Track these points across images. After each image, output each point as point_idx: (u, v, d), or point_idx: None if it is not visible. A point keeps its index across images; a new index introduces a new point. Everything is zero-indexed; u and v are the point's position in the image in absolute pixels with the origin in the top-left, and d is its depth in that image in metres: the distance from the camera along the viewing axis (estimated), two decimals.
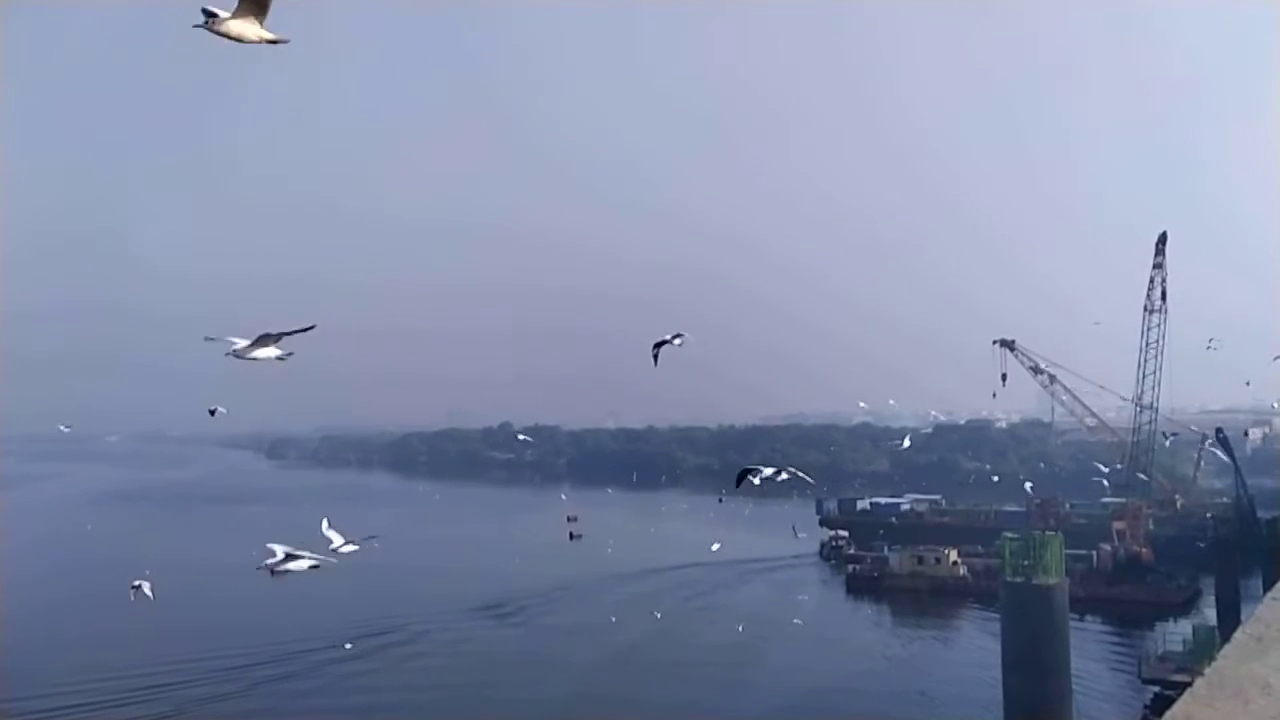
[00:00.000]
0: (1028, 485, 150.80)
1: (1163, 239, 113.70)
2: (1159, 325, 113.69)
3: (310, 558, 22.71)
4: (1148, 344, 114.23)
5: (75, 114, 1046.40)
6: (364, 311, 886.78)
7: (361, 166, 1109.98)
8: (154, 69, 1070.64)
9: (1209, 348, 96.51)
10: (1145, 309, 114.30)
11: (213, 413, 39.19)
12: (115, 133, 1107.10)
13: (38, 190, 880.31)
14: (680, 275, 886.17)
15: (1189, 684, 5.78)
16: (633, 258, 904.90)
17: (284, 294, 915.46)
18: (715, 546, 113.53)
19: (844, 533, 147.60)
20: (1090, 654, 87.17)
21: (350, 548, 27.33)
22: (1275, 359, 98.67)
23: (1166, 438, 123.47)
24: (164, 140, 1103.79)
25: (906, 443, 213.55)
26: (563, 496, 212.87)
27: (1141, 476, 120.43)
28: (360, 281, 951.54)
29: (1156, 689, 73.18)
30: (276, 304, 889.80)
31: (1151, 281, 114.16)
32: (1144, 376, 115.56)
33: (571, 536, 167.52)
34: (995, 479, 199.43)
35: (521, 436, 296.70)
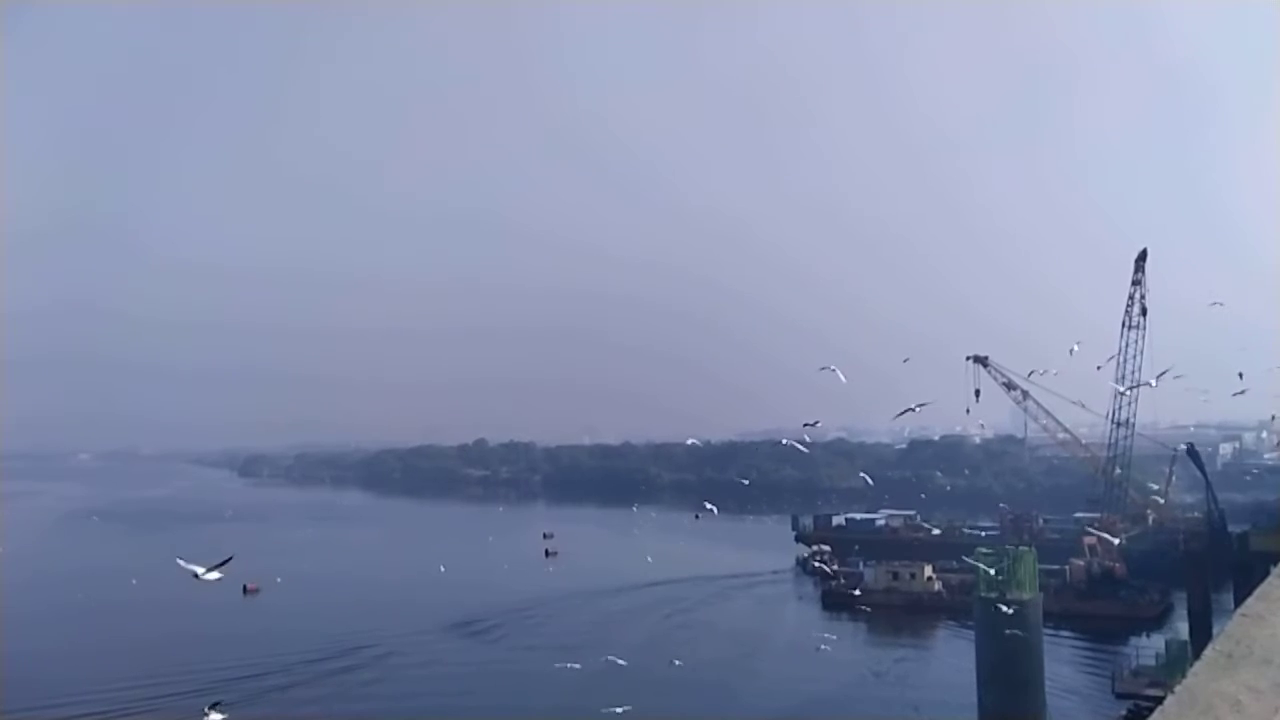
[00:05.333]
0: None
1: (1142, 256, 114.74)
2: (1137, 341, 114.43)
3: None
4: (1125, 360, 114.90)
5: (69, 107, 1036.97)
6: (351, 309, 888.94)
7: (364, 156, 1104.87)
8: (152, 63, 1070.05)
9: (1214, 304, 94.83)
10: (1124, 325, 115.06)
11: None
12: (108, 128, 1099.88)
13: (27, 186, 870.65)
14: (675, 276, 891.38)
15: (1162, 698, 5.85)
16: (628, 255, 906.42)
17: (276, 289, 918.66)
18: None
19: (825, 547, 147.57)
20: (1064, 663, 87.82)
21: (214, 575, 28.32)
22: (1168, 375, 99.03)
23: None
24: (161, 135, 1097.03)
25: None
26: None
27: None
28: (352, 277, 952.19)
29: (1131, 704, 73.43)
30: (267, 299, 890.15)
31: (1130, 298, 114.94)
32: (1121, 392, 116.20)
33: (547, 554, 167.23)
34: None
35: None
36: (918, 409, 52.88)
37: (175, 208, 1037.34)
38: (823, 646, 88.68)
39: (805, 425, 74.27)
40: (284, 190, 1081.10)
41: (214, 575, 28.42)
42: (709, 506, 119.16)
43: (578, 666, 78.83)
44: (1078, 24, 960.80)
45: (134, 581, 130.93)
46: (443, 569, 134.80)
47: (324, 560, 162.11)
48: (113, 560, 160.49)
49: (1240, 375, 75.63)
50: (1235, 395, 76.80)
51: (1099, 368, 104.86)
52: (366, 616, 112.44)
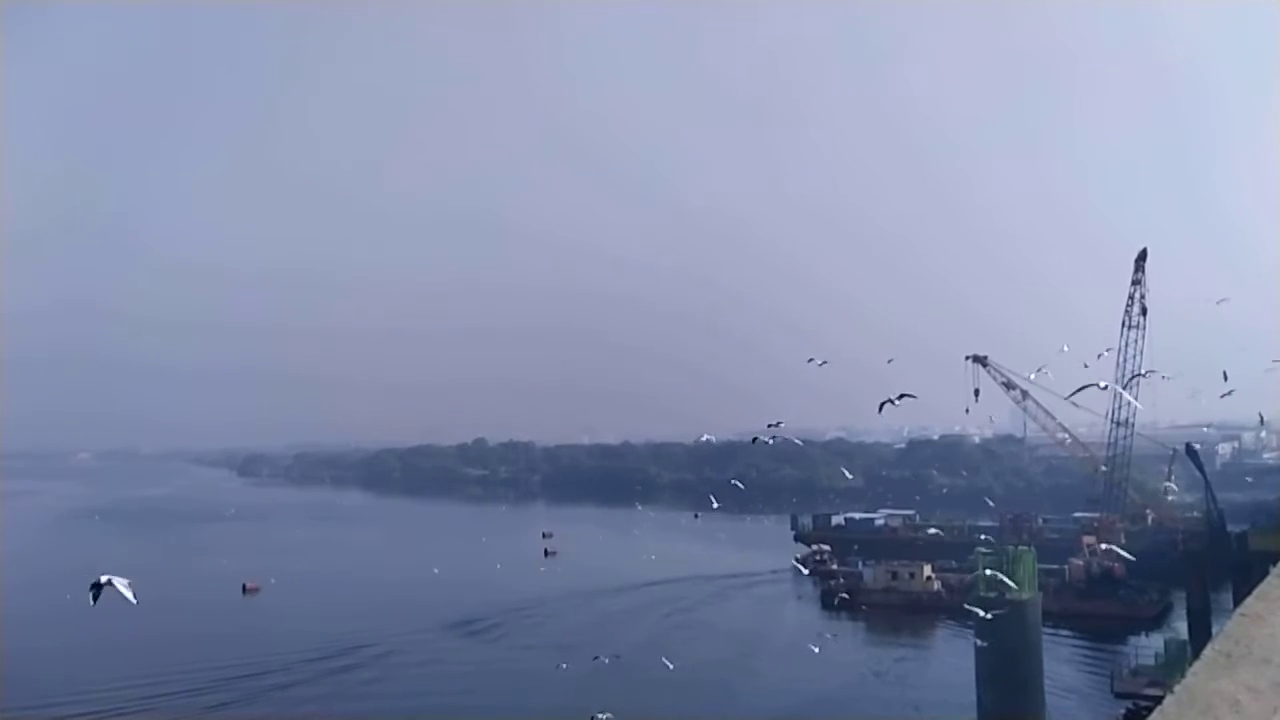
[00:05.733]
0: None
1: (1142, 255, 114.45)
2: (1137, 341, 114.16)
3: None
4: (1125, 359, 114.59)
5: (69, 108, 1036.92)
6: (350, 309, 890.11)
7: (363, 156, 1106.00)
8: (152, 64, 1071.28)
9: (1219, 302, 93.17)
10: (1123, 325, 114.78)
11: None
12: (108, 129, 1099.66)
13: (27, 186, 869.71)
14: (674, 276, 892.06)
15: (1161, 698, 5.86)
16: (627, 255, 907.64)
17: (275, 289, 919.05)
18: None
19: (825, 547, 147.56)
20: (1063, 662, 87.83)
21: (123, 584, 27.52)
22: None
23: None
24: (160, 136, 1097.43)
25: None
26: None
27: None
28: (352, 277, 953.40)
29: (1129, 703, 73.44)
30: (266, 299, 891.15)
31: (1130, 298, 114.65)
32: (1102, 388, 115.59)
33: (546, 554, 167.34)
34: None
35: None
36: (898, 402, 52.53)
37: (174, 208, 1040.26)
38: (816, 649, 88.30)
39: (769, 426, 72.87)
40: (283, 191, 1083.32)
41: (123, 585, 27.32)
42: (714, 503, 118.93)
43: (565, 667, 78.67)
44: (1077, 24, 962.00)
45: (126, 580, 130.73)
46: (436, 571, 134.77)
47: (324, 560, 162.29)
48: (111, 559, 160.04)
49: (1225, 376, 75.30)
50: (1224, 396, 76.54)
51: (1086, 366, 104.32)
52: (366, 616, 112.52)
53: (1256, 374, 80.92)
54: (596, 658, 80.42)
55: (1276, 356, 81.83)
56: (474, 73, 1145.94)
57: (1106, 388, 69.63)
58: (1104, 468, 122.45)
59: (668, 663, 79.91)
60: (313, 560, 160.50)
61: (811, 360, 62.02)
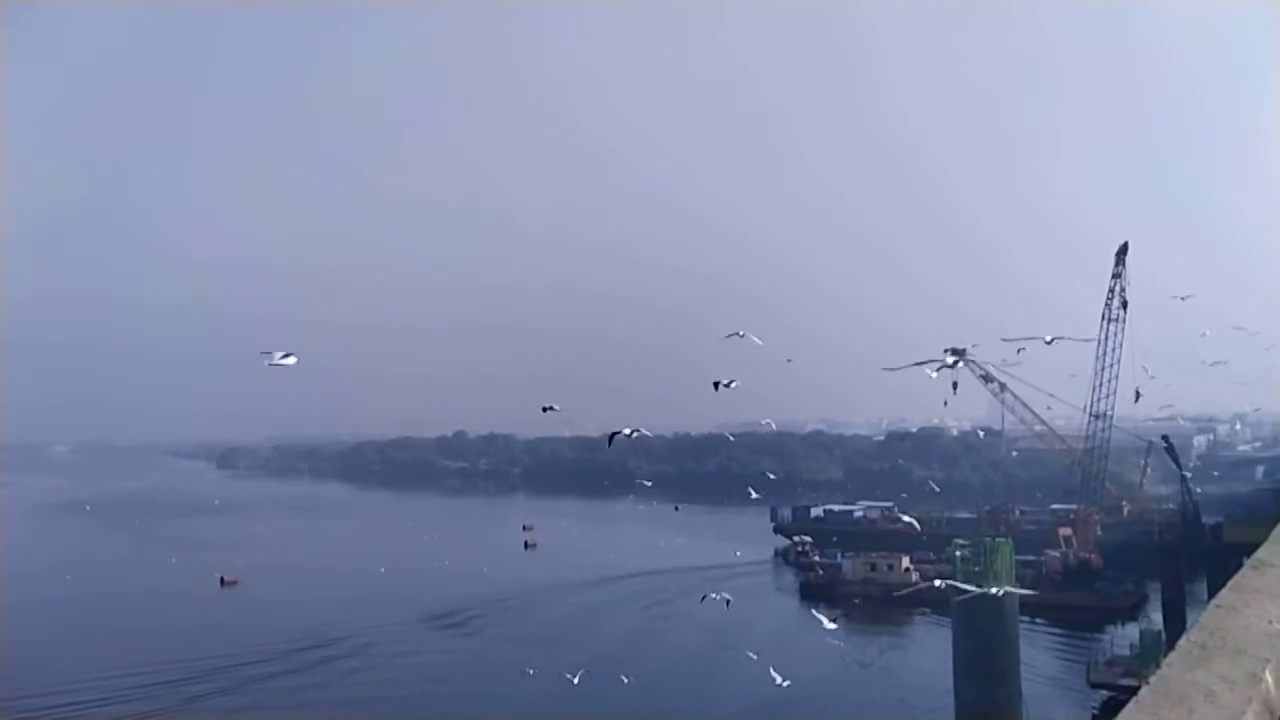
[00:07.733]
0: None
1: (1123, 249, 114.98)
2: (1117, 335, 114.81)
3: None
4: (1105, 353, 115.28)
5: (77, 104, 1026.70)
6: (332, 302, 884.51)
7: (358, 156, 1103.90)
8: (158, 62, 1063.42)
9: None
10: (1103, 318, 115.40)
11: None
12: (113, 125, 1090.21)
13: (30, 180, 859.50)
14: (655, 270, 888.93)
15: (1136, 688, 5.94)
16: (607, 250, 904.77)
17: (258, 282, 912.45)
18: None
19: (807, 538, 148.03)
20: (1040, 649, 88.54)
21: None
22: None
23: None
24: (159, 132, 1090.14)
25: None
26: None
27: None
28: (333, 271, 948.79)
29: (1105, 693, 74.18)
30: (248, 292, 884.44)
31: (1111, 291, 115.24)
32: (1099, 385, 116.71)
33: (527, 546, 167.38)
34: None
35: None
36: (731, 384, 52.49)
37: (167, 202, 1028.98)
38: (752, 655, 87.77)
39: (543, 409, 60.60)
40: (268, 186, 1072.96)
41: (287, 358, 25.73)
42: (753, 494, 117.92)
43: (531, 671, 77.94)
44: (1061, 22, 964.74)
45: (68, 577, 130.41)
46: (382, 570, 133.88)
47: (303, 552, 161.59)
48: (94, 552, 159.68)
49: (1147, 370, 75.47)
50: (1137, 401, 77.10)
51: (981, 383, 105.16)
52: (344, 608, 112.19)
53: (1237, 364, 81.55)
54: (569, 677, 79.16)
55: (1218, 357, 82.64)
56: (461, 76, 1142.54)
57: (1051, 342, 69.69)
58: (1074, 462, 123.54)
59: (625, 679, 78.69)
60: (291, 553, 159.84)
61: (734, 334, 58.92)
